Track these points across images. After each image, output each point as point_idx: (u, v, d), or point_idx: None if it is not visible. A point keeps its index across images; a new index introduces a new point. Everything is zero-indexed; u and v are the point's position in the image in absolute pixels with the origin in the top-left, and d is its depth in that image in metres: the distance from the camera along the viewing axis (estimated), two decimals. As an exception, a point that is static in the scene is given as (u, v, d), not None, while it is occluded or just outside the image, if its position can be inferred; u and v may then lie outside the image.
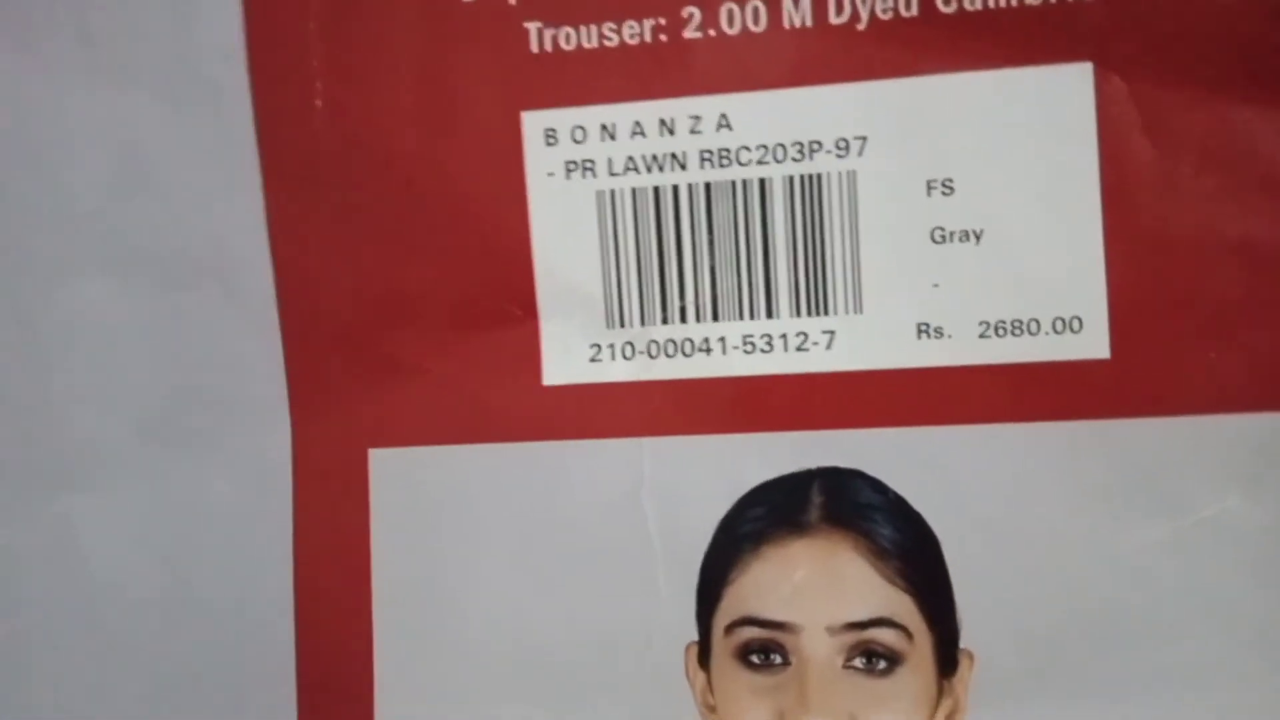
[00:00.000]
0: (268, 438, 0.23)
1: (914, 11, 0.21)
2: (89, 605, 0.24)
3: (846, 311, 0.22)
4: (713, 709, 0.22)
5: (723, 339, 0.22)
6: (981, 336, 0.22)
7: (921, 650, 0.22)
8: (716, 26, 0.22)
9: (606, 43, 0.22)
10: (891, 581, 0.22)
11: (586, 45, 0.22)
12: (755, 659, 0.22)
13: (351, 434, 0.23)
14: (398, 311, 0.23)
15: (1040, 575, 0.22)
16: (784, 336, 0.22)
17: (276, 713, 0.23)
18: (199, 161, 0.23)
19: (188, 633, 0.24)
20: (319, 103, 0.22)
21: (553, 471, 0.23)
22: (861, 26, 0.22)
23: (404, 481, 0.23)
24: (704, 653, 0.22)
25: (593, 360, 0.23)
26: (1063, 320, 0.21)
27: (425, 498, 0.23)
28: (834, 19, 0.22)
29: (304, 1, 0.22)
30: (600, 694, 0.23)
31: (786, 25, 0.22)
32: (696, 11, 0.22)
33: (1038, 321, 0.21)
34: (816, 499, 0.22)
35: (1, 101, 0.23)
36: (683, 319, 0.22)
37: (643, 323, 0.22)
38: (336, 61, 0.22)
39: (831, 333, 0.22)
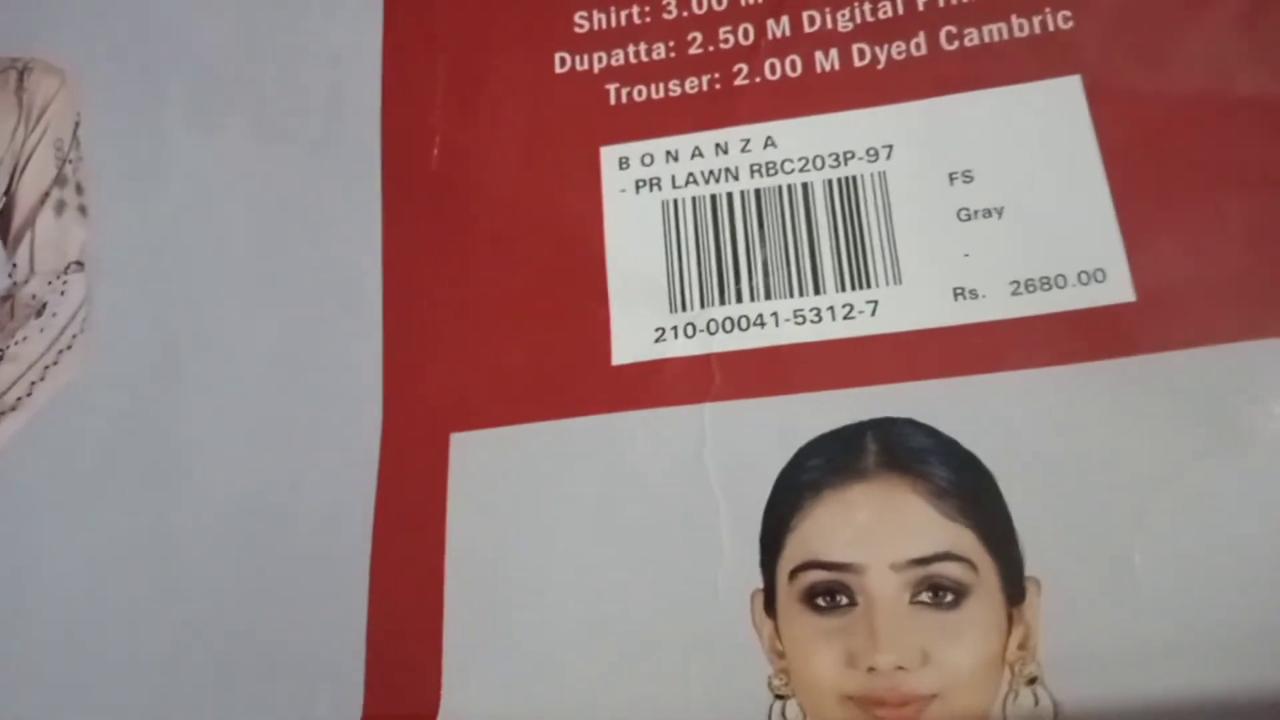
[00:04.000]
0: (359, 429, 0.25)
1: (923, 51, 0.26)
2: (170, 581, 0.25)
3: (887, 283, 0.24)
4: (781, 654, 0.22)
5: (775, 314, 0.25)
6: (1013, 294, 0.24)
7: (987, 581, 0.21)
8: (761, 75, 0.27)
9: (670, 94, 0.27)
10: (951, 518, 0.22)
11: (655, 97, 0.27)
12: (821, 601, 0.22)
13: (436, 421, 0.25)
14: (487, 313, 0.26)
15: (1102, 502, 0.22)
16: (831, 308, 0.24)
17: (345, 682, 0.23)
18: (333, 200, 0.28)
19: (264, 606, 0.24)
20: (436, 151, 0.27)
21: (620, 439, 0.24)
22: (880, 66, 0.26)
23: (481, 460, 0.25)
24: (769, 600, 0.22)
25: (657, 341, 0.25)
26: (1087, 273, 0.23)
27: (501, 473, 0.24)
28: (857, 64, 0.26)
29: (432, 75, 0.28)
30: (669, 646, 0.22)
31: (819, 70, 0.26)
32: (745, 66, 0.27)
33: (1064, 277, 0.24)
34: (872, 446, 0.23)
35: (183, 174, 0.29)
36: (738, 299, 0.25)
37: (702, 305, 0.25)
38: (454, 119, 0.27)
39: (875, 302, 0.24)
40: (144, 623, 0.25)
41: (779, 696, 0.21)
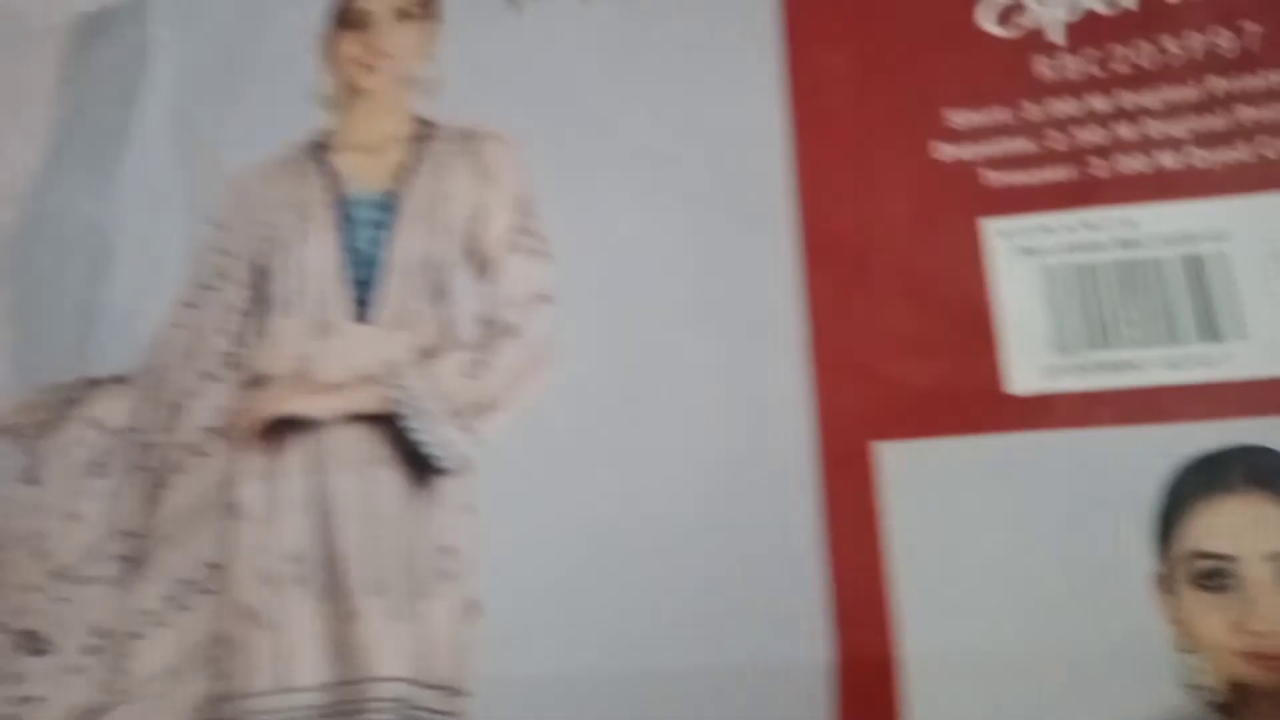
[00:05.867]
0: (791, 435, 0.32)
1: (1249, 157, 0.33)
2: (645, 549, 0.32)
3: (1236, 339, 0.31)
4: (1180, 622, 0.28)
5: (1144, 360, 0.31)
6: (1349, 350, 0.30)
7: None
8: (1115, 169, 0.33)
9: (1038, 180, 0.34)
10: (1309, 524, 0.28)
11: (1024, 182, 0.34)
12: (1208, 583, 0.28)
13: (859, 432, 0.32)
14: (896, 348, 0.33)
15: None
16: (1190, 357, 0.31)
17: (810, 633, 0.30)
18: (755, 255, 0.35)
19: (729, 568, 0.31)
20: (843, 218, 0.34)
21: (1020, 454, 0.31)
22: (1214, 168, 0.33)
23: (901, 464, 0.31)
24: (1166, 581, 0.29)
25: (1046, 377, 0.32)
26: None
27: (918, 475, 0.31)
28: (1195, 165, 0.33)
29: (833, 155, 0.35)
30: (1083, 616, 0.29)
31: (1164, 167, 0.33)
32: (1100, 161, 0.34)
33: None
34: (1238, 467, 0.29)
35: (624, 230, 0.36)
36: (1112, 347, 0.31)
37: (1082, 350, 0.32)
38: (855, 192, 0.34)
39: (1227, 353, 0.31)
40: (625, 583, 0.32)
41: (1183, 652, 0.28)
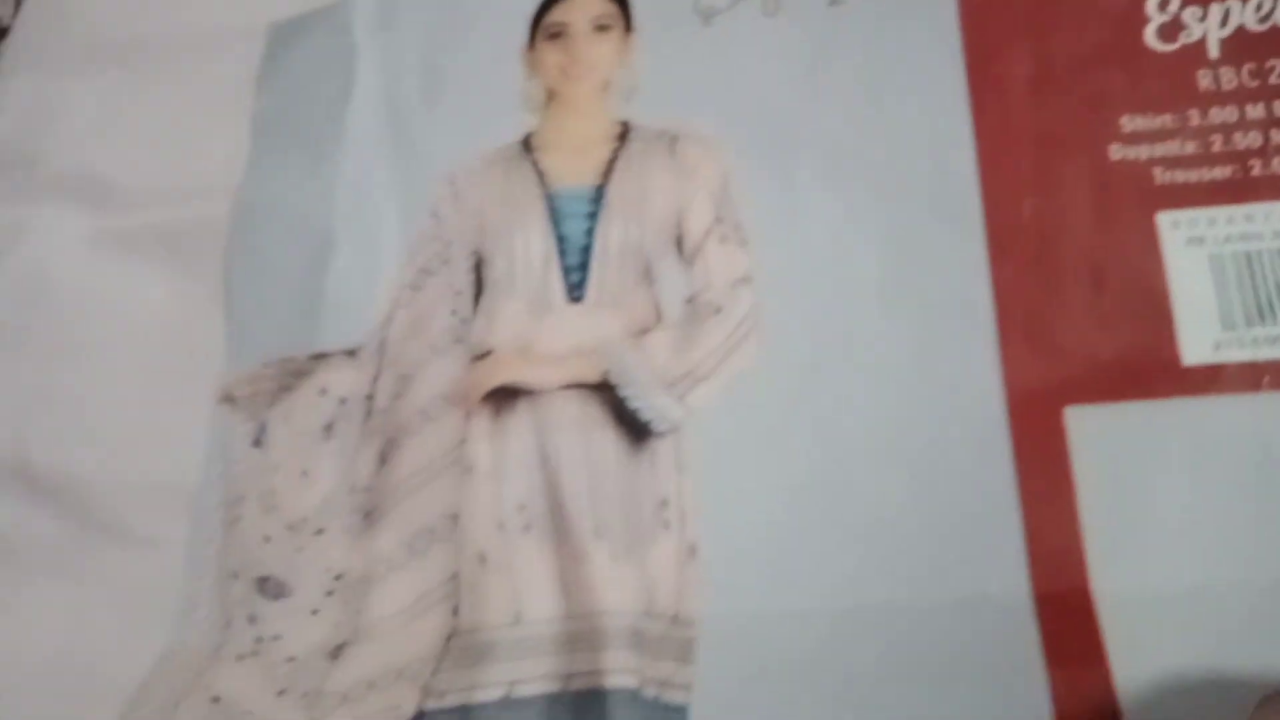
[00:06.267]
0: (983, 402, 0.36)
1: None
2: (849, 507, 0.36)
3: (1386, 317, 0.35)
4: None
5: (1304, 335, 0.35)
6: None
7: None
8: (1270, 168, 0.37)
9: (1202, 179, 0.38)
10: None
11: (1190, 180, 0.38)
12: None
13: (1050, 398, 0.36)
14: (1080, 324, 0.37)
15: None
16: (1348, 334, 0.35)
17: (1009, 571, 0.33)
18: (944, 243, 0.39)
19: (929, 522, 0.35)
20: (1026, 210, 0.38)
21: (1195, 416, 0.34)
22: (1368, 167, 0.37)
23: (1089, 423, 0.35)
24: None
25: (1215, 350, 0.35)
26: None
27: (1105, 432, 0.35)
28: (1348, 166, 0.37)
29: (1016, 154, 0.39)
30: (1254, 557, 0.32)
31: (1316, 167, 0.37)
32: (1257, 162, 0.38)
33: None
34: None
35: (819, 220, 0.40)
36: (1275, 324, 0.35)
37: (1247, 326, 0.35)
38: (1037, 188, 0.38)
39: (1379, 330, 0.35)
40: (831, 532, 0.36)
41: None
